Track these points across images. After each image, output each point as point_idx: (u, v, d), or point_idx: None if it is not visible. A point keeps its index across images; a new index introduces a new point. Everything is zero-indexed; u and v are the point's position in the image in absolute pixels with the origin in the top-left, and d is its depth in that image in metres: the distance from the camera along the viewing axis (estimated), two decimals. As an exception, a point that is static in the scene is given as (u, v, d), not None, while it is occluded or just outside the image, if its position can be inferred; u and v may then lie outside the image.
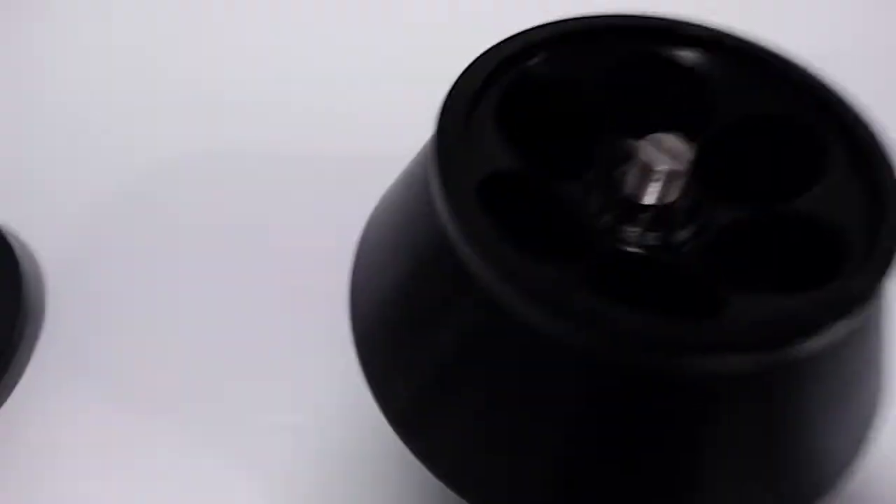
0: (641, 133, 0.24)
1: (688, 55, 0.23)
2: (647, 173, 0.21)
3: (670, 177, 0.21)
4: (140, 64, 0.40)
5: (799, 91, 0.22)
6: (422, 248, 0.21)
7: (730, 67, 0.23)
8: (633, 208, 0.21)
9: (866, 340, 0.20)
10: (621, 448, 0.19)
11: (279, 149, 0.36)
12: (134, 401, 0.29)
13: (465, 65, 0.22)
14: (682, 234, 0.21)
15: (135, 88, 0.39)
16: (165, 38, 0.41)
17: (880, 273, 0.18)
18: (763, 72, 0.23)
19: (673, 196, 0.21)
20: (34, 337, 0.30)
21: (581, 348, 0.18)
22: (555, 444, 0.20)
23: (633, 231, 0.21)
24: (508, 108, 0.22)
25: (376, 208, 0.25)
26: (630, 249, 0.21)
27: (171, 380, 0.29)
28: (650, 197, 0.21)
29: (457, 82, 0.21)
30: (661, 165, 0.20)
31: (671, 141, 0.21)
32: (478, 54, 0.22)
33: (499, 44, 0.22)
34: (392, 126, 0.31)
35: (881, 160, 0.20)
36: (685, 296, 0.20)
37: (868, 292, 0.18)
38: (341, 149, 0.36)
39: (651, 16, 0.23)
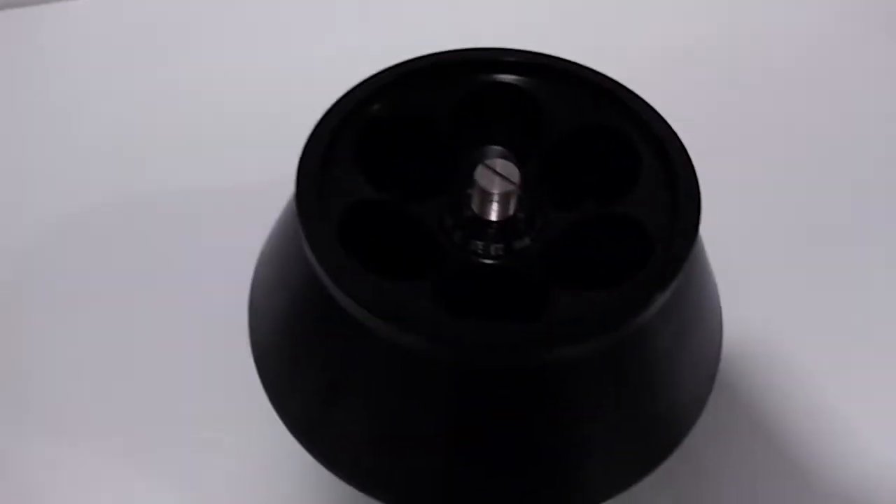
0: (487, 151, 0.27)
1: (515, 79, 0.26)
2: (485, 195, 0.24)
3: (505, 196, 0.24)
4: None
5: (614, 104, 0.25)
6: (297, 278, 0.24)
7: (552, 86, 0.26)
8: (480, 224, 0.24)
9: (685, 305, 0.23)
10: (496, 432, 0.22)
11: (175, 185, 0.39)
12: (74, 436, 0.31)
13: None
14: (523, 242, 0.24)
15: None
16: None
17: (678, 262, 0.22)
18: (581, 89, 0.26)
19: (511, 210, 0.24)
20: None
21: (434, 356, 0.21)
22: (436, 440, 0.22)
23: (481, 244, 0.24)
24: (364, 146, 0.25)
25: (267, 238, 0.28)
26: (480, 261, 0.24)
27: (103, 415, 0.32)
28: (492, 214, 0.24)
29: (313, 131, 0.24)
30: (496, 188, 0.24)
31: (503, 165, 0.24)
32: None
33: (349, 91, 0.25)
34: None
35: (681, 166, 0.24)
36: (525, 297, 0.23)
37: (665, 285, 0.21)
38: (241, 179, 0.39)
39: (476, 48, 0.26)
